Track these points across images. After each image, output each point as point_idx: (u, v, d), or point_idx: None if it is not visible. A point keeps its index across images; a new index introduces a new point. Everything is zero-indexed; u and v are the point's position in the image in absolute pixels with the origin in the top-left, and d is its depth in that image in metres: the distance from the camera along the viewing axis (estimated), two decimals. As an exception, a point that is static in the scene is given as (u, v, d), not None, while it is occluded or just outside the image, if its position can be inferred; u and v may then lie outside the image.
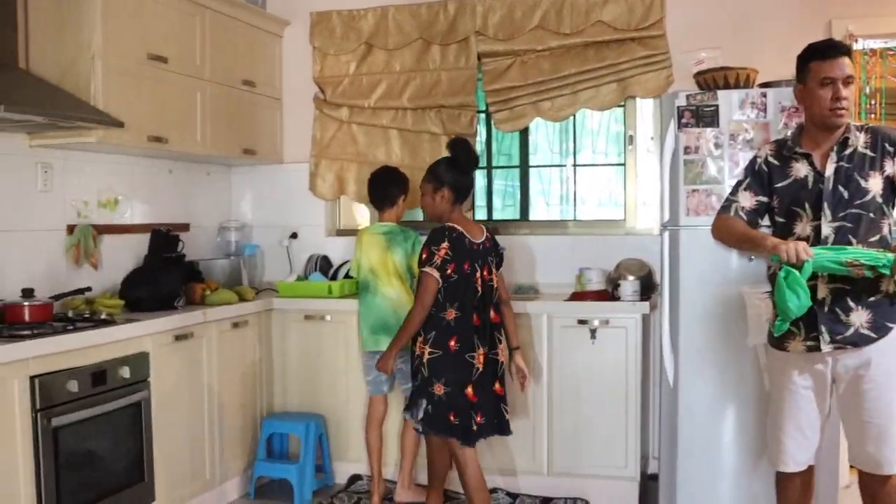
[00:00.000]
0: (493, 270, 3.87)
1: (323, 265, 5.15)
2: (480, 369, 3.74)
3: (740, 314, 3.83)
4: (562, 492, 4.52)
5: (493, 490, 4.53)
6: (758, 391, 3.83)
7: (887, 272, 2.97)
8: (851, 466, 4.11)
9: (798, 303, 2.97)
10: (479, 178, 5.38)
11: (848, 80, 3.12)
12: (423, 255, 3.72)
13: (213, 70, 4.73)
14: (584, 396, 4.48)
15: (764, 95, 3.92)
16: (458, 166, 3.86)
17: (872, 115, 4.74)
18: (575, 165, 5.40)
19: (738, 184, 3.39)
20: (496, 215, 5.55)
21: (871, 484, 3.26)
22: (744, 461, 3.96)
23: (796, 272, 2.95)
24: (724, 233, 3.37)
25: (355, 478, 4.81)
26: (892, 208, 3.19)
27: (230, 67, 4.90)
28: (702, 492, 4.02)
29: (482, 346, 3.75)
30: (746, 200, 3.32)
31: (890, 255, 2.96)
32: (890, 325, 3.13)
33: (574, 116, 5.16)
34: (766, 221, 3.38)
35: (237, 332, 4.59)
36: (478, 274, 3.76)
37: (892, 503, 3.23)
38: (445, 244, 3.69)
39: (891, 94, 5.27)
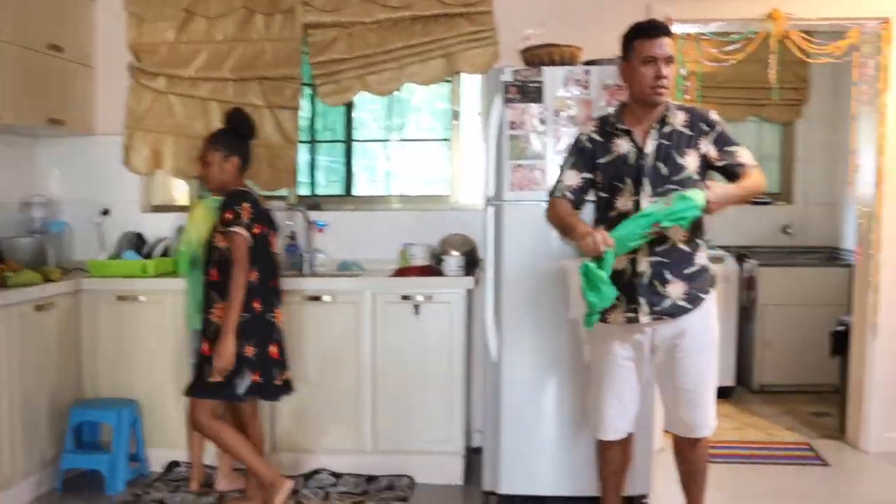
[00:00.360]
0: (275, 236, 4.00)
1: (137, 243, 4.90)
2: (279, 328, 3.88)
3: (562, 287, 3.88)
4: (386, 469, 4.48)
5: (317, 471, 4.47)
6: (578, 363, 3.89)
7: (685, 224, 3.03)
8: (665, 431, 4.28)
9: (599, 296, 3.03)
10: (304, 153, 5.24)
11: (669, 60, 3.20)
12: (228, 216, 3.71)
13: (13, 31, 4.35)
14: (409, 372, 4.46)
15: (587, 73, 3.98)
16: (241, 135, 3.96)
17: (688, 96, 4.92)
18: (400, 140, 5.35)
19: (564, 163, 3.42)
20: (319, 191, 5.44)
21: (684, 447, 3.44)
22: (565, 431, 4.04)
23: (594, 268, 3.01)
24: (551, 217, 3.40)
25: (173, 465, 4.61)
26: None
27: (33, 30, 4.54)
28: (525, 463, 4.07)
29: (278, 305, 3.89)
30: (572, 179, 3.35)
31: (689, 202, 2.99)
32: (703, 296, 3.26)
33: (400, 91, 5.09)
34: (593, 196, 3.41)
35: (41, 315, 4.28)
36: (269, 237, 3.87)
37: (702, 463, 3.45)
38: (247, 204, 3.74)
39: (705, 78, 5.51)
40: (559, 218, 3.32)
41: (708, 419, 3.35)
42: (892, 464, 4.73)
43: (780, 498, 4.31)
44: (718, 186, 3.10)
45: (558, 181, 3.40)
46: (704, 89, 5.73)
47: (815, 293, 6.17)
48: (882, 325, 4.84)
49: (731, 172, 3.23)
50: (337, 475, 4.46)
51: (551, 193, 3.42)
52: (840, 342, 5.20)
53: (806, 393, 6.14)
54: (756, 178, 3.21)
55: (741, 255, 6.35)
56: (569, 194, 3.35)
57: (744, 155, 3.26)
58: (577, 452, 3.99)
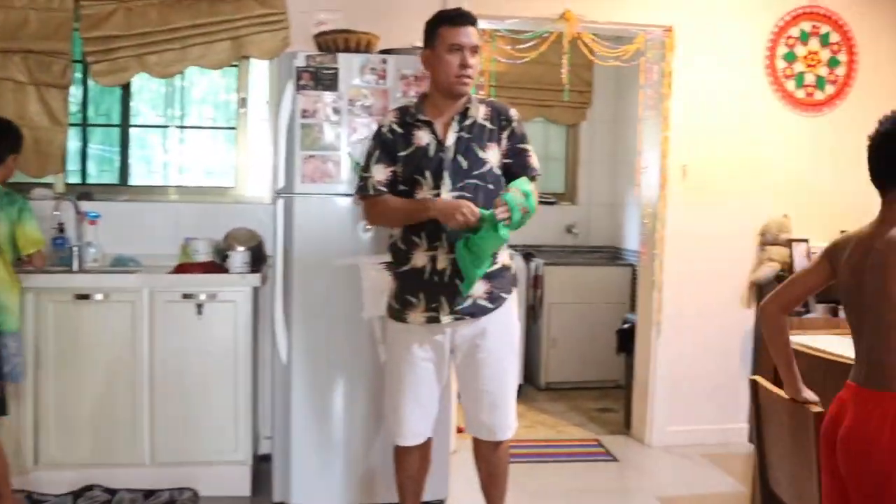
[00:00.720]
0: None
1: None
2: None
3: (356, 286, 3.73)
4: (167, 482, 4.14)
5: (89, 487, 4.08)
6: (374, 365, 3.78)
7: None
8: (459, 431, 4.22)
9: (485, 266, 3.06)
10: (74, 139, 4.79)
11: (475, 50, 3.14)
12: None
13: None
14: (191, 377, 4.14)
15: (384, 62, 3.88)
16: None
17: (482, 92, 4.89)
18: (181, 127, 5.02)
19: (369, 157, 3.25)
20: (91, 181, 5.01)
21: (485, 450, 3.36)
22: (361, 437, 3.91)
23: (482, 238, 2.97)
24: (383, 217, 3.26)
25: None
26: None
27: None
28: (318, 470, 3.91)
29: None
30: (380, 173, 3.20)
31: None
32: (505, 295, 3.21)
33: (183, 75, 4.77)
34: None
35: None
36: None
37: (504, 466, 3.39)
38: None
39: (497, 77, 5.52)
40: (401, 210, 3.16)
41: (509, 420, 3.31)
42: (675, 456, 4.91)
43: (574, 494, 4.35)
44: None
45: (366, 177, 3.22)
46: (496, 88, 5.76)
47: (599, 292, 6.35)
48: (665, 323, 5.01)
49: (514, 173, 3.19)
50: (112, 491, 4.08)
51: (360, 191, 3.26)
52: (625, 340, 5.34)
53: (590, 389, 6.30)
54: (535, 188, 3.18)
55: (528, 254, 6.44)
56: (382, 189, 3.19)
57: (534, 159, 3.25)
58: (375, 459, 3.88)
